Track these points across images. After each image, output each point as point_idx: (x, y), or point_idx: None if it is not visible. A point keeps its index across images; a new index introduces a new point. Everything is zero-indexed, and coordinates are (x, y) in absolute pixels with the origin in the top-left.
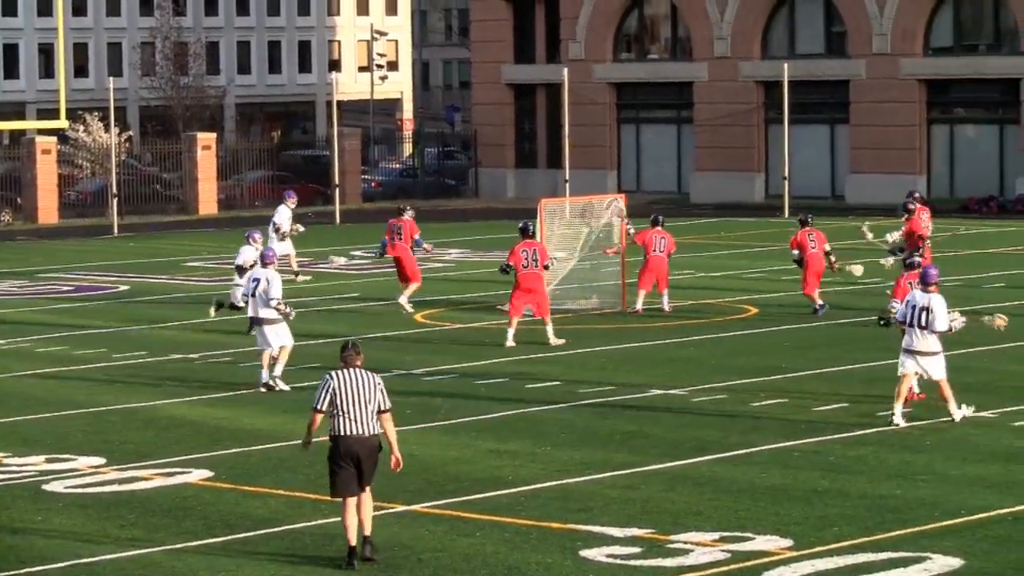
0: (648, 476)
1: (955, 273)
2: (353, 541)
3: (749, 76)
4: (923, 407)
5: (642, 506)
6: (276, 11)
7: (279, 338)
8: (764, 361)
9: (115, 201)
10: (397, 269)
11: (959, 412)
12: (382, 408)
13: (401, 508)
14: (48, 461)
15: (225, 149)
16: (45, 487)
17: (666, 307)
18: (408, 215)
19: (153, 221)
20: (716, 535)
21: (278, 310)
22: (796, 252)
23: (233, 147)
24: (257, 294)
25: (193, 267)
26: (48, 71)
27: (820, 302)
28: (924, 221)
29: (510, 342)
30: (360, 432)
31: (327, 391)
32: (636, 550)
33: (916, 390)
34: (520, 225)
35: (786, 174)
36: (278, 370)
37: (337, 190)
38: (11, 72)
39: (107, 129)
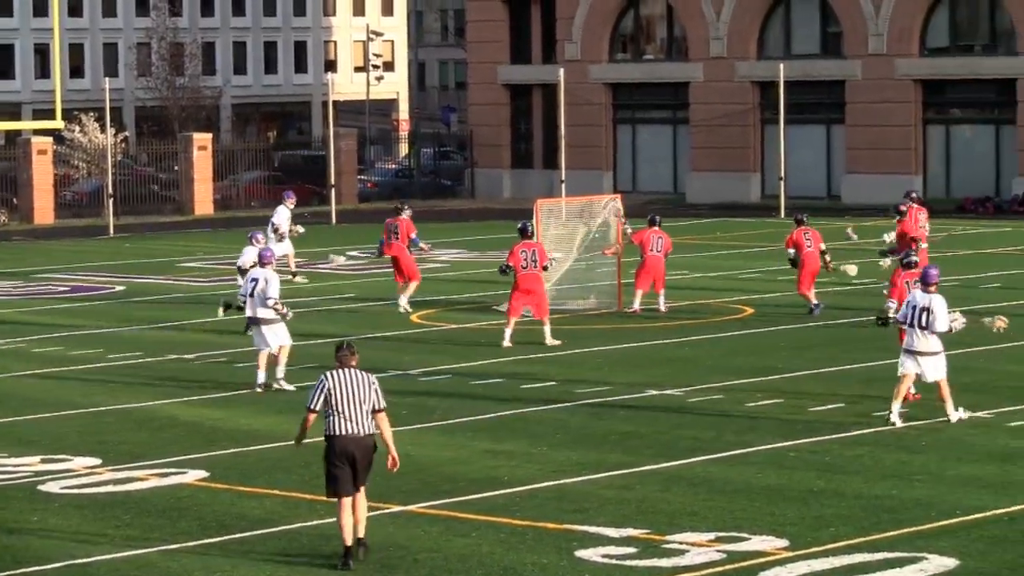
0: (644, 476)
1: (952, 273)
2: (349, 541)
3: (745, 76)
4: (919, 407)
5: (638, 506)
6: (272, 11)
7: (277, 338)
8: (760, 361)
9: (111, 201)
10: (394, 268)
11: (956, 414)
12: (377, 408)
13: (397, 508)
14: (44, 461)
15: (220, 149)
16: (41, 487)
17: (662, 307)
18: (405, 214)
19: (149, 221)
20: (712, 535)
21: (275, 310)
22: (792, 251)
23: (229, 147)
24: (255, 294)
25: (189, 267)
26: (44, 71)
27: (815, 301)
28: (921, 221)
29: (507, 342)
30: (355, 432)
31: (321, 391)
32: (632, 550)
33: (912, 390)
34: (519, 225)
35: (782, 174)
36: (280, 371)
37: (333, 190)
38: (7, 72)
39: (103, 130)
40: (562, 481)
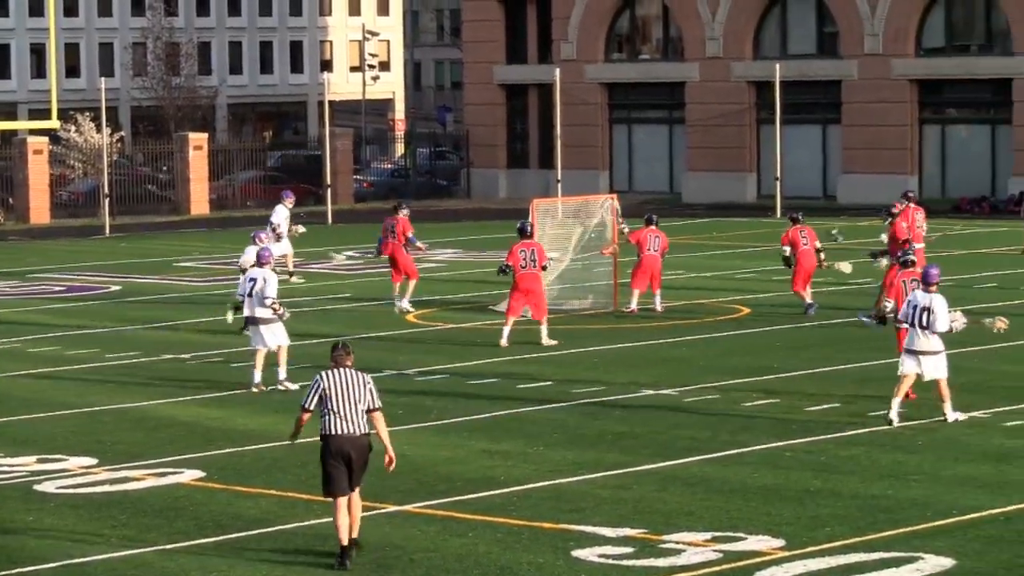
0: (640, 476)
1: (947, 273)
2: (345, 541)
3: (741, 76)
4: (914, 407)
5: (634, 506)
6: (268, 11)
7: (275, 338)
8: (756, 361)
9: (107, 201)
10: (391, 267)
11: (953, 415)
12: (372, 407)
13: (393, 508)
14: (39, 461)
15: (216, 149)
16: (36, 487)
17: (658, 307)
18: (402, 213)
19: (145, 221)
20: (708, 535)
21: (273, 310)
22: (787, 249)
23: (225, 147)
24: (254, 293)
25: (185, 267)
26: (40, 71)
27: (810, 300)
28: (919, 222)
29: (504, 341)
30: (350, 431)
31: (316, 390)
32: (628, 550)
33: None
34: (518, 225)
35: (778, 174)
36: (282, 372)
37: (329, 190)
38: (3, 72)
39: (99, 129)
40: (558, 481)
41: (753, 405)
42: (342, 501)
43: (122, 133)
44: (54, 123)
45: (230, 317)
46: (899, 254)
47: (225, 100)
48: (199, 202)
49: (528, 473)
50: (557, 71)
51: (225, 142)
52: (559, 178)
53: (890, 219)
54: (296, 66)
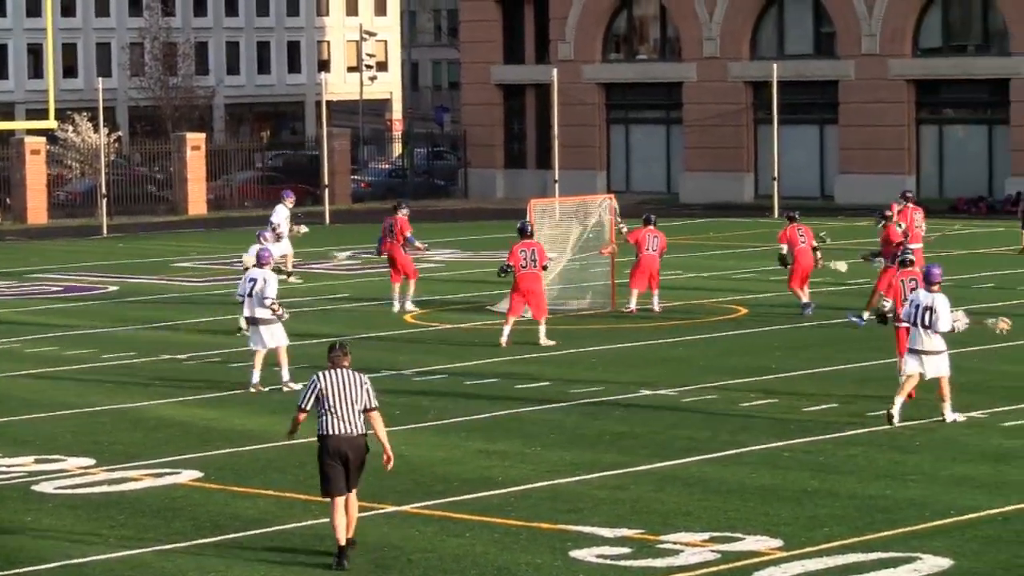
0: (638, 476)
1: (946, 273)
2: (342, 541)
3: (738, 76)
4: (914, 407)
5: (632, 506)
6: (265, 11)
7: (274, 338)
8: (754, 361)
9: (104, 201)
10: (390, 267)
11: (951, 415)
12: (368, 407)
13: (391, 508)
14: (37, 462)
15: (214, 149)
16: (35, 488)
17: (656, 307)
18: (401, 213)
19: (142, 221)
20: (706, 535)
21: (272, 311)
22: (784, 247)
23: (222, 147)
24: (254, 294)
25: (182, 267)
26: (37, 71)
27: (806, 300)
28: (917, 221)
29: (505, 341)
30: (347, 431)
31: (313, 391)
32: (626, 550)
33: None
34: (519, 225)
35: (775, 174)
36: (285, 373)
37: (327, 190)
38: (0, 72)
39: (96, 129)
40: (556, 481)
41: (751, 405)
42: (339, 501)
43: (119, 133)
44: (51, 123)
45: (243, 324)
46: (898, 253)
47: (222, 100)
48: (196, 202)
49: (526, 473)
50: (554, 71)
51: (223, 142)
52: (556, 178)
53: (883, 222)
54: (293, 66)
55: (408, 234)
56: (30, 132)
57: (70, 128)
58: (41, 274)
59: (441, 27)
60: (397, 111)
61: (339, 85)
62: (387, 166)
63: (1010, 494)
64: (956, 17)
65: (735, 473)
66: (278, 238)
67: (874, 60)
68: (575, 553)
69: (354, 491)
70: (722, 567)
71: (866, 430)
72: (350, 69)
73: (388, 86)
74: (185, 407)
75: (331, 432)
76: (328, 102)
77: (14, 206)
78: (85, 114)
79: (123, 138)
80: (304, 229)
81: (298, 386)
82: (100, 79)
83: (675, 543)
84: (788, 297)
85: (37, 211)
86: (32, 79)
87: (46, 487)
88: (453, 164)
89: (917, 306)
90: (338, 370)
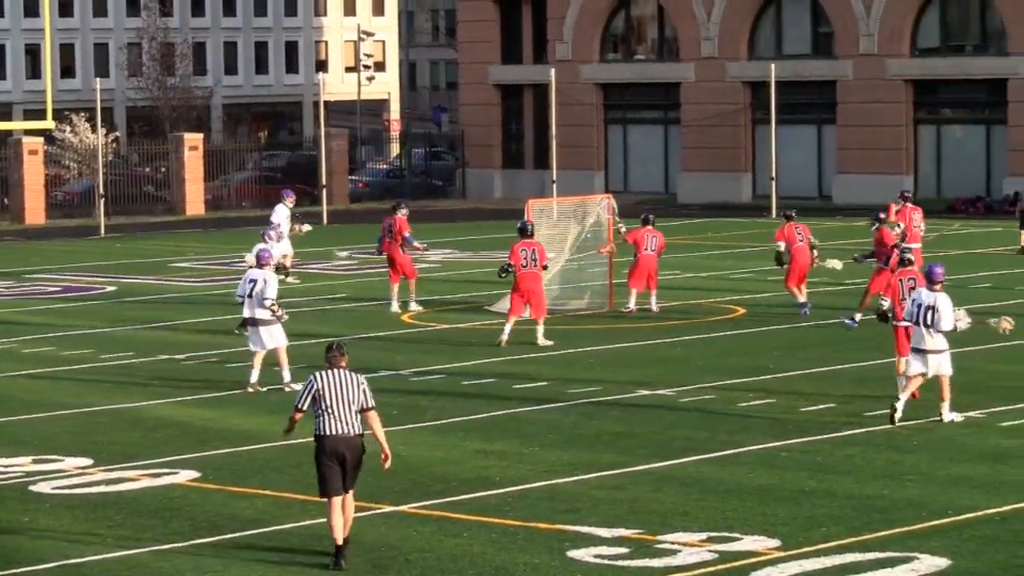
0: (636, 476)
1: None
2: (339, 540)
3: (736, 77)
4: (912, 407)
5: (629, 506)
6: (263, 11)
7: (273, 339)
8: (752, 361)
9: (102, 202)
10: (389, 267)
11: (949, 415)
12: (365, 407)
13: (388, 508)
14: (35, 462)
15: (211, 149)
16: (32, 488)
17: (654, 307)
18: (401, 213)
19: (140, 222)
20: (703, 535)
21: (271, 311)
22: (781, 244)
23: (220, 147)
24: (254, 294)
25: (180, 268)
26: (35, 71)
27: (802, 299)
28: (916, 221)
29: (505, 339)
30: (344, 431)
31: (309, 391)
32: (623, 550)
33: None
34: (519, 225)
35: (773, 174)
36: (286, 374)
37: (324, 191)
38: None
39: (94, 130)
40: (554, 481)
41: (749, 405)
42: (336, 501)
43: (117, 133)
44: (49, 123)
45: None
46: (891, 255)
47: (220, 100)
48: (194, 203)
49: (524, 473)
50: (552, 71)
51: (220, 143)
52: (554, 178)
53: (877, 224)
54: (291, 66)
55: (406, 234)
56: (28, 132)
57: (68, 128)
58: (39, 274)
59: (439, 27)
60: (395, 111)
61: (337, 85)
62: (385, 166)
63: (1008, 494)
64: (954, 17)
65: (733, 473)
66: (278, 238)
67: (872, 60)
68: (573, 553)
69: (350, 492)
70: (720, 567)
71: (864, 430)
72: (348, 69)
73: (386, 86)
74: (183, 407)
75: (328, 432)
76: (326, 102)
77: (12, 206)
78: (83, 114)
79: (121, 138)
80: (307, 227)
81: (299, 387)
82: (98, 79)
83: (673, 543)
84: (786, 297)
85: (35, 211)
86: (30, 79)
87: (43, 487)
88: (451, 164)
89: (919, 305)
90: (335, 370)
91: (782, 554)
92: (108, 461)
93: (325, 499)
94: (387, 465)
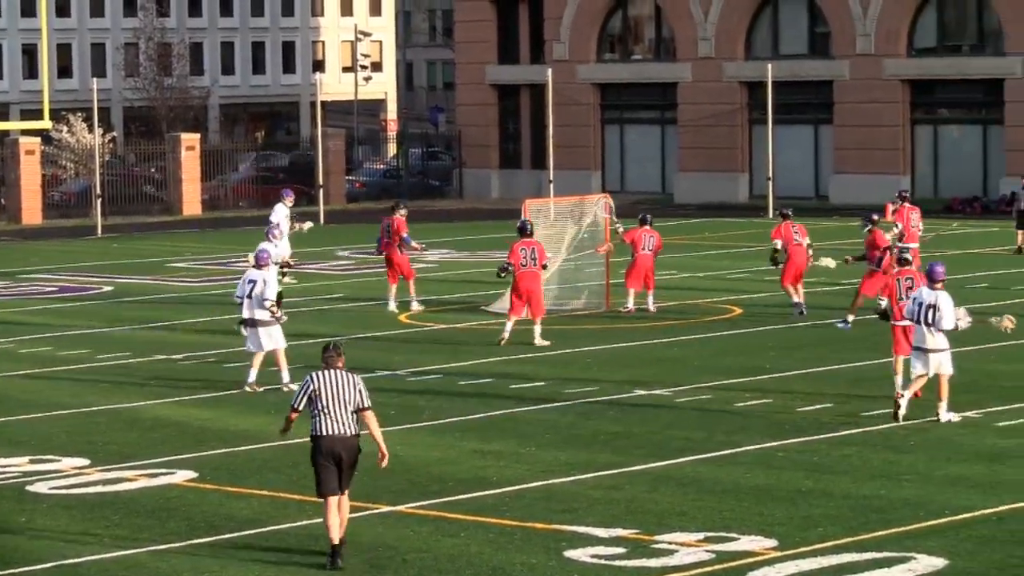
0: (633, 476)
1: None
2: (336, 539)
3: (733, 77)
4: (909, 407)
5: (626, 506)
6: (260, 12)
7: (272, 340)
8: (749, 361)
9: (99, 202)
10: (387, 267)
11: (946, 415)
12: (361, 407)
13: (385, 508)
14: (32, 462)
15: (209, 149)
16: (29, 488)
17: (651, 307)
18: (399, 213)
19: (137, 222)
20: (700, 535)
21: (271, 312)
22: (778, 242)
23: (217, 147)
24: (253, 295)
25: (178, 268)
26: (32, 72)
27: (797, 299)
28: (914, 221)
29: (506, 336)
30: (341, 432)
31: (306, 391)
32: (620, 550)
33: (901, 390)
34: (518, 224)
35: (770, 174)
36: (285, 375)
37: (321, 191)
38: None
39: (91, 130)
40: (551, 481)
41: (746, 405)
42: (332, 501)
43: (114, 133)
44: (46, 123)
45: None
46: (883, 257)
47: (217, 100)
48: (191, 203)
49: (521, 473)
50: (549, 71)
51: (217, 143)
52: (551, 178)
53: (869, 226)
54: (288, 66)
55: (404, 235)
56: (25, 132)
57: (65, 128)
58: (36, 274)
59: (436, 27)
60: (392, 111)
61: (334, 85)
62: (382, 166)
63: (1004, 494)
64: (951, 17)
65: (730, 473)
66: (280, 237)
67: (869, 60)
68: (570, 553)
69: (346, 494)
70: (716, 567)
71: (860, 430)
72: (345, 69)
73: (383, 86)
74: (180, 407)
75: (324, 432)
76: (323, 102)
77: (9, 206)
78: (80, 114)
79: (118, 138)
80: (308, 225)
81: (297, 386)
82: (95, 79)
83: (670, 543)
84: (783, 297)
85: (32, 211)
86: (27, 79)
87: (41, 487)
88: (448, 164)
89: (920, 304)
90: (331, 371)
91: (779, 554)
92: (105, 461)
93: (322, 499)
94: (384, 464)
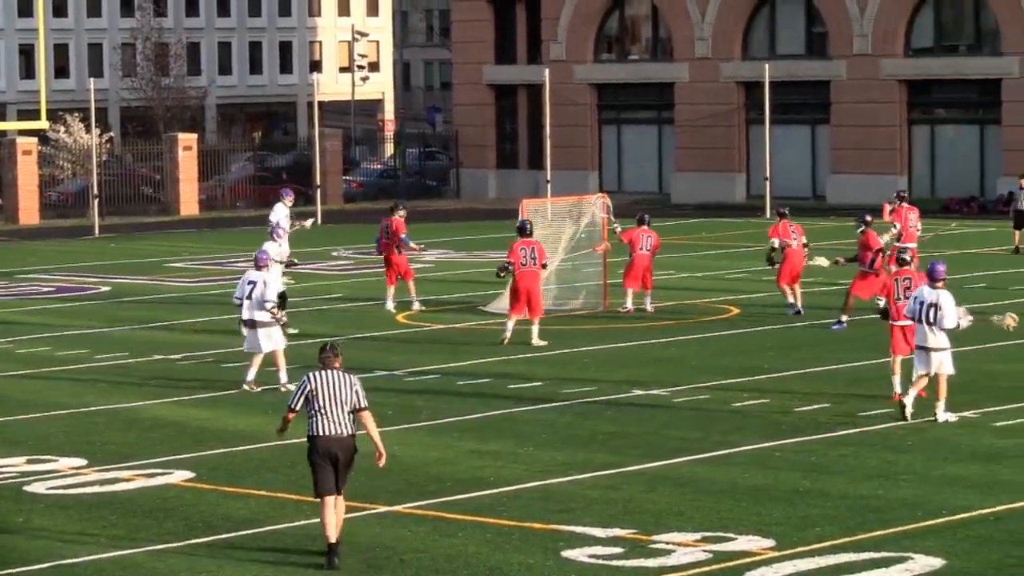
0: (630, 476)
1: None
2: (332, 538)
3: (730, 77)
4: (914, 405)
5: (624, 506)
6: (257, 12)
7: (271, 341)
8: (747, 361)
9: (96, 202)
10: (386, 268)
11: (943, 415)
12: (357, 407)
13: (383, 509)
14: (29, 462)
15: (206, 149)
16: (26, 488)
17: (649, 307)
18: (398, 214)
19: (134, 222)
20: (698, 535)
21: (272, 313)
22: (776, 241)
23: (214, 147)
24: (253, 296)
25: (175, 268)
26: (29, 72)
27: (791, 300)
28: (912, 221)
29: (508, 336)
30: (337, 432)
31: (303, 392)
32: (618, 550)
33: (899, 391)
34: (518, 224)
35: (767, 175)
36: (283, 376)
37: (318, 191)
38: None
39: (88, 130)
40: (548, 481)
41: (743, 405)
42: (329, 500)
43: (111, 134)
44: (43, 124)
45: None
46: (875, 259)
47: (214, 101)
48: (188, 203)
49: (518, 473)
50: (546, 71)
51: (215, 143)
52: (548, 178)
53: (863, 227)
54: (285, 67)
55: (402, 235)
56: (22, 132)
57: (62, 128)
58: (33, 275)
59: (433, 27)
60: (389, 111)
61: (331, 85)
62: (379, 166)
63: (1001, 494)
64: (948, 17)
65: (727, 473)
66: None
67: (866, 60)
68: (567, 553)
69: (342, 495)
70: (714, 567)
71: (858, 430)
72: (342, 69)
73: (380, 86)
74: (179, 407)
75: (320, 433)
76: (320, 102)
77: (6, 206)
78: (77, 114)
79: (115, 139)
80: (310, 221)
81: (294, 387)
82: (92, 79)
83: (667, 543)
84: (780, 297)
85: (29, 211)
86: (24, 79)
87: (38, 487)
88: (445, 164)
89: (922, 303)
90: (328, 371)
91: (776, 554)
92: (103, 461)
93: (319, 499)
94: (382, 463)
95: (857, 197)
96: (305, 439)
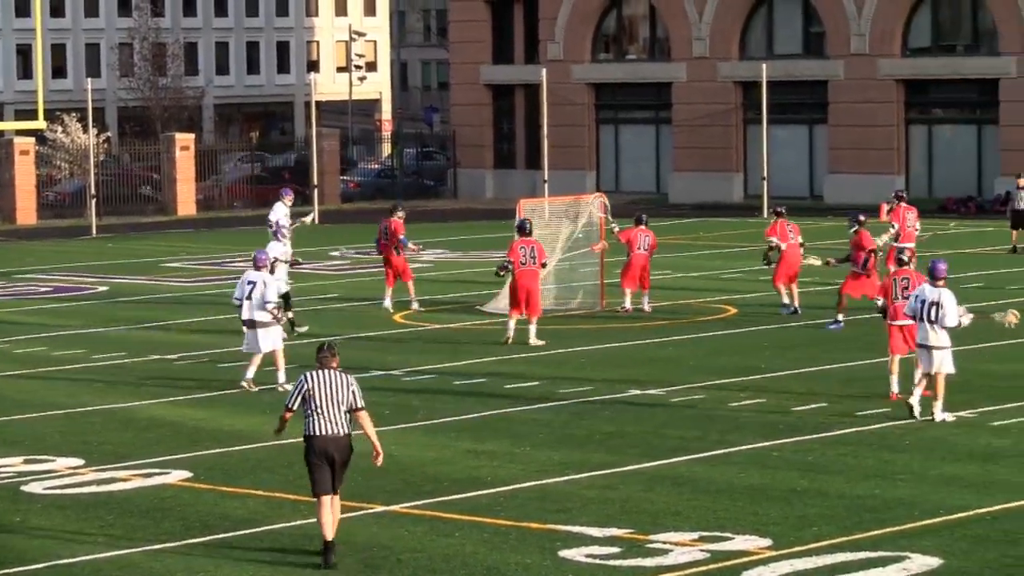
0: (627, 476)
1: None
2: (329, 536)
3: (727, 76)
4: (901, 407)
5: (621, 506)
6: (254, 12)
7: (271, 342)
8: (743, 361)
9: (93, 202)
10: (385, 268)
11: (941, 415)
12: (354, 407)
13: (380, 508)
14: (26, 462)
15: (204, 149)
16: (23, 488)
17: (646, 307)
18: (397, 215)
19: (131, 222)
20: (695, 535)
21: (272, 314)
22: (775, 239)
23: (212, 147)
24: (253, 297)
25: (172, 268)
26: (26, 72)
27: (787, 300)
28: (910, 221)
29: (510, 335)
30: (334, 432)
31: (299, 391)
32: (615, 550)
33: (896, 390)
34: (517, 223)
35: (765, 174)
36: (281, 376)
37: (316, 191)
38: None
39: (85, 130)
40: (545, 481)
41: (740, 405)
42: (325, 499)
43: (109, 134)
44: (40, 124)
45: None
46: (868, 259)
47: (212, 100)
48: (186, 203)
49: (515, 473)
50: (544, 71)
51: (212, 143)
52: (546, 178)
53: (856, 227)
54: (283, 66)
55: (401, 236)
56: (19, 133)
57: (59, 129)
58: (31, 275)
59: (430, 27)
60: (386, 111)
61: (328, 85)
62: (376, 166)
63: (998, 493)
64: (945, 17)
65: (724, 473)
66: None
67: (863, 60)
68: (564, 553)
69: (337, 495)
70: (711, 566)
71: (855, 429)
72: (339, 69)
73: (377, 86)
74: (175, 407)
75: (317, 432)
76: (317, 102)
77: (3, 206)
78: (74, 115)
79: (112, 139)
80: (310, 217)
81: (291, 386)
82: (89, 79)
83: (664, 543)
84: (777, 297)
85: (26, 211)
86: (21, 79)
87: (35, 487)
88: (442, 164)
89: (923, 301)
90: (325, 371)
91: (773, 553)
92: (100, 461)
93: (316, 499)
94: (379, 462)
95: (854, 197)
96: (302, 439)
